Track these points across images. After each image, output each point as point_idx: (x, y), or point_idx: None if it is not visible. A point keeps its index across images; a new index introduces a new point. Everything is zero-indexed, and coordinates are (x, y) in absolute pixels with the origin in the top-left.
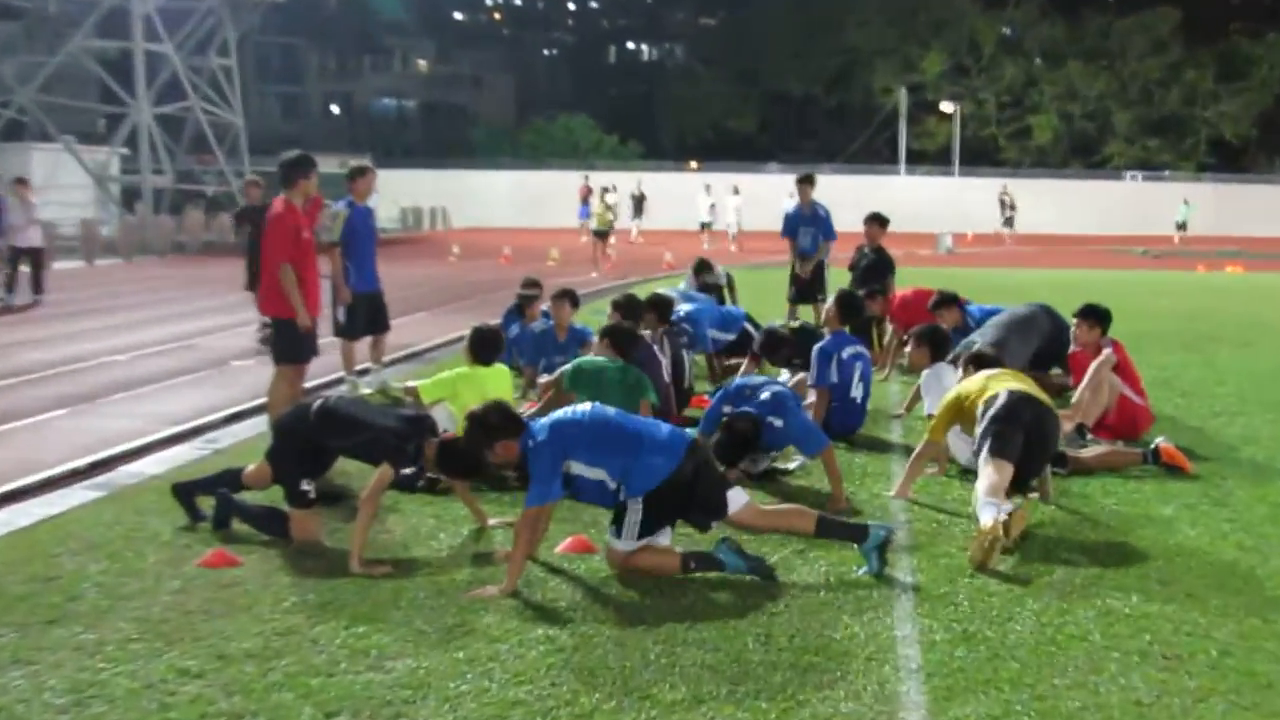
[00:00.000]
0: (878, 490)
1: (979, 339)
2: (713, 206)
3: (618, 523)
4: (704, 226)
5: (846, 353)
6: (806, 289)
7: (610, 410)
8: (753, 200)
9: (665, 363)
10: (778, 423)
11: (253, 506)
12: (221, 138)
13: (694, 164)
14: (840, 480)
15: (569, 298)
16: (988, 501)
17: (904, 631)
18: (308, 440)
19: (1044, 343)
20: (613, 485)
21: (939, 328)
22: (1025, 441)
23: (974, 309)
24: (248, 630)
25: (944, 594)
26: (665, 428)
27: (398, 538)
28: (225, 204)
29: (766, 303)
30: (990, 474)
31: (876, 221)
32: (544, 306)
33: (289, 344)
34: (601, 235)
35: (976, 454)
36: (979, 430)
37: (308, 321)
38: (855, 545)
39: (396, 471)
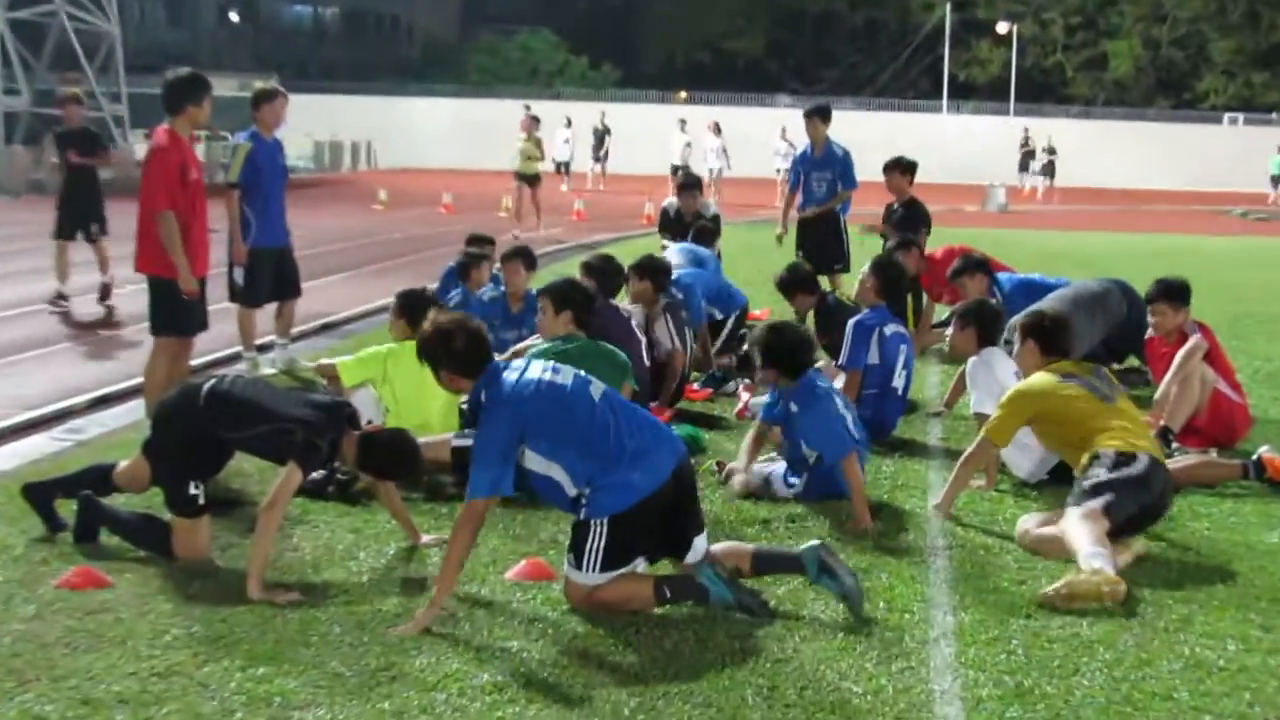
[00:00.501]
0: (912, 505)
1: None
2: (688, 146)
3: (577, 549)
4: (676, 171)
5: (890, 330)
6: (819, 252)
7: (597, 390)
8: (747, 141)
9: (669, 344)
10: (793, 407)
11: (125, 514)
12: (92, 51)
13: (682, 94)
14: (862, 493)
15: (523, 258)
16: (1095, 552)
17: (943, 685)
18: (196, 430)
19: (1116, 328)
20: (572, 493)
21: (988, 304)
22: (1136, 515)
23: (1005, 279)
24: (120, 669)
25: (993, 638)
26: (659, 430)
27: (307, 557)
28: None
29: (757, 269)
30: (1092, 528)
31: (898, 169)
32: (495, 269)
33: (170, 311)
34: (528, 181)
35: (1078, 501)
36: (1092, 479)
37: (193, 284)
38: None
39: (306, 473)
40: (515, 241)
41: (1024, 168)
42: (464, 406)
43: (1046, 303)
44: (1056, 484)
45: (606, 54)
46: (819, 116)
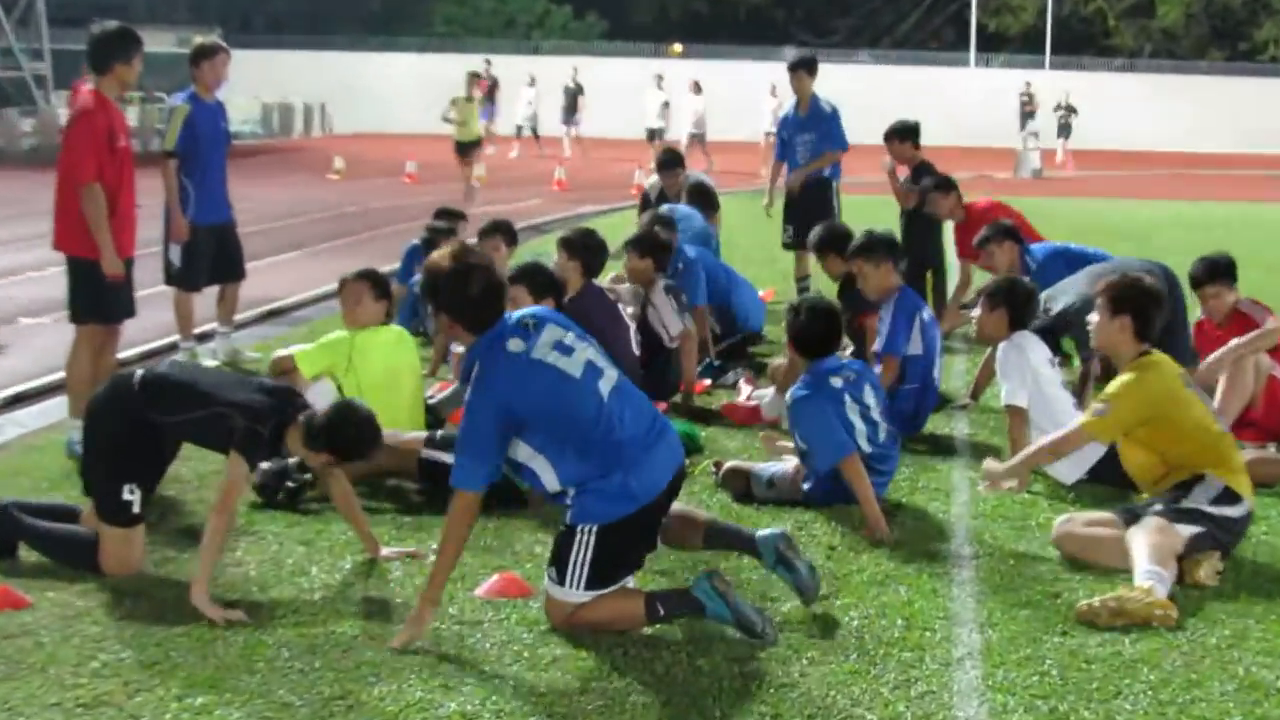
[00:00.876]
0: (934, 509)
1: (1065, 296)
2: (666, 106)
3: (560, 561)
4: (653, 135)
5: (927, 314)
6: (805, 226)
7: (608, 383)
8: (750, 100)
9: (678, 325)
10: (797, 393)
11: (45, 526)
12: (10, 3)
13: (677, 48)
14: (871, 498)
15: (503, 233)
16: (1156, 572)
17: (968, 712)
18: (131, 423)
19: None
20: (553, 488)
21: (1021, 283)
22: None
23: (1039, 248)
24: (40, 699)
25: (1025, 658)
26: (662, 428)
27: (252, 573)
28: (14, 95)
29: (758, 245)
30: (1163, 546)
31: (898, 137)
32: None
33: (94, 296)
34: (466, 150)
35: (1162, 516)
36: (1189, 503)
37: (117, 266)
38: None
39: (251, 464)
40: (535, 209)
41: (1024, 127)
42: (431, 401)
43: (1081, 278)
44: (1096, 484)
45: (591, 2)
46: (804, 70)
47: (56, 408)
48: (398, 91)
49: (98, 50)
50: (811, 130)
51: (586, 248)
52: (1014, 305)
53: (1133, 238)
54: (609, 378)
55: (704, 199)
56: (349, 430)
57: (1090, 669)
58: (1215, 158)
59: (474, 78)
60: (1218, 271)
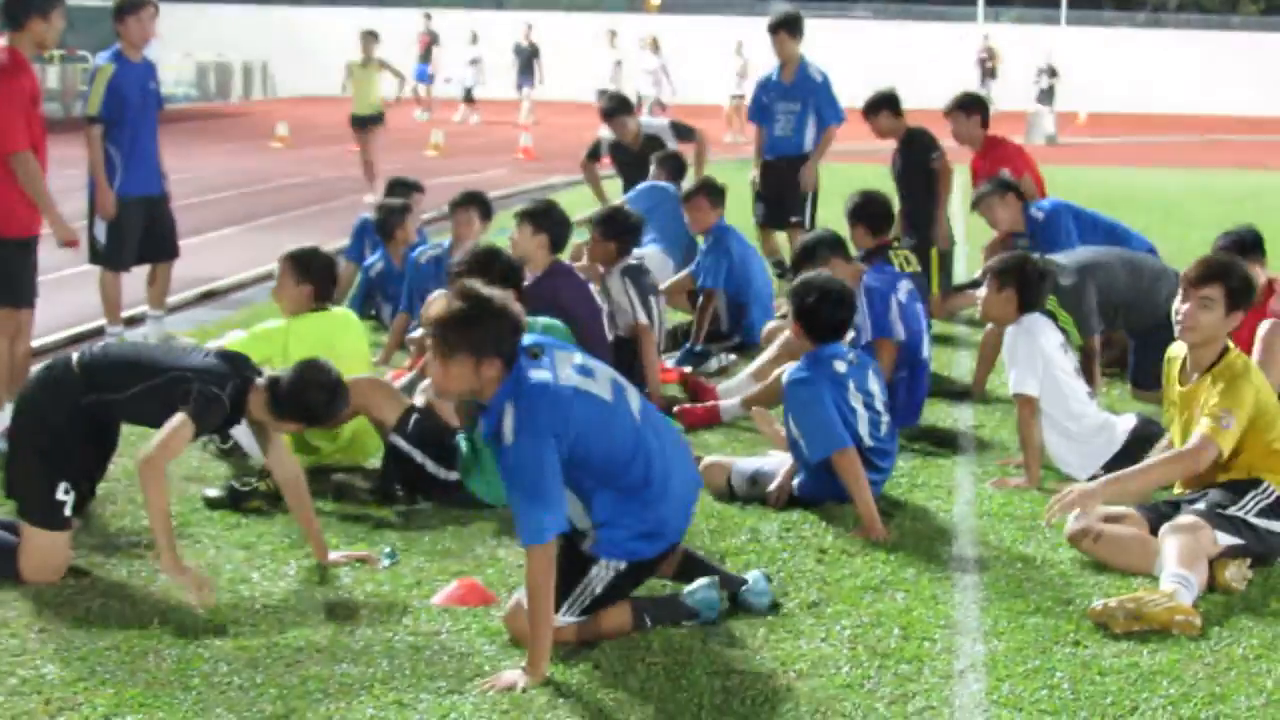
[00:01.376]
0: (935, 507)
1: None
2: (618, 65)
3: (563, 587)
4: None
5: (904, 290)
6: (776, 202)
7: (634, 400)
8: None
9: (632, 315)
10: (795, 374)
11: None
12: None
13: (655, 2)
14: (867, 495)
15: (478, 206)
16: (1183, 576)
17: None
18: (69, 411)
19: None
20: (581, 525)
21: (1032, 260)
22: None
23: (1045, 204)
24: None
25: (1032, 670)
26: (682, 447)
27: (189, 579)
28: None
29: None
30: (1195, 551)
31: (878, 109)
32: (424, 219)
33: (5, 277)
34: (364, 124)
35: (1204, 519)
36: (1236, 510)
37: (71, 233)
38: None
39: (199, 427)
40: (503, 180)
41: (983, 87)
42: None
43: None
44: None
45: None
46: (786, 30)
47: None
48: (347, 51)
49: (12, 2)
50: (797, 99)
51: (553, 221)
52: (1024, 285)
53: (1156, 209)
54: (632, 394)
55: (672, 168)
56: (317, 394)
57: (1104, 682)
58: (1247, 121)
59: (369, 37)
60: (1244, 247)
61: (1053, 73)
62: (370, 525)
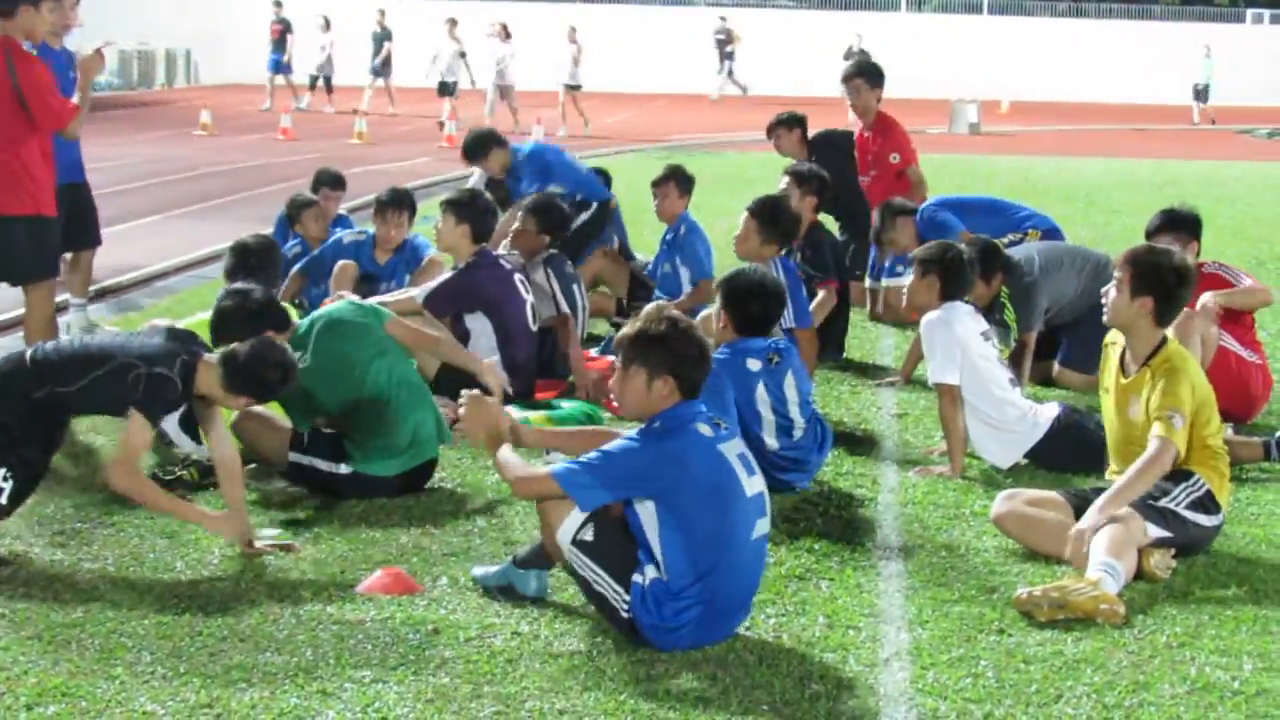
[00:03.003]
0: (861, 495)
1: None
2: (461, 56)
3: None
4: (447, 88)
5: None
6: None
7: (760, 527)
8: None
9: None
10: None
11: None
12: None
13: None
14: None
15: (410, 209)
16: (1111, 565)
17: (895, 717)
18: (25, 406)
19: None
20: (650, 577)
21: (955, 248)
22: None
23: (924, 208)
24: None
25: (957, 659)
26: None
27: (110, 568)
28: None
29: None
30: (1124, 540)
31: (785, 126)
32: (342, 211)
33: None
34: None
35: (1140, 509)
36: (1166, 502)
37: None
38: None
39: (154, 416)
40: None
41: (721, 68)
42: None
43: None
44: (1035, 469)
45: None
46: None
47: None
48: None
49: None
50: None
51: (476, 210)
52: (946, 272)
53: (1079, 197)
54: (763, 522)
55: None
56: (273, 371)
57: (1028, 670)
58: (1169, 110)
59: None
60: (1169, 224)
61: (862, 54)
62: (291, 517)
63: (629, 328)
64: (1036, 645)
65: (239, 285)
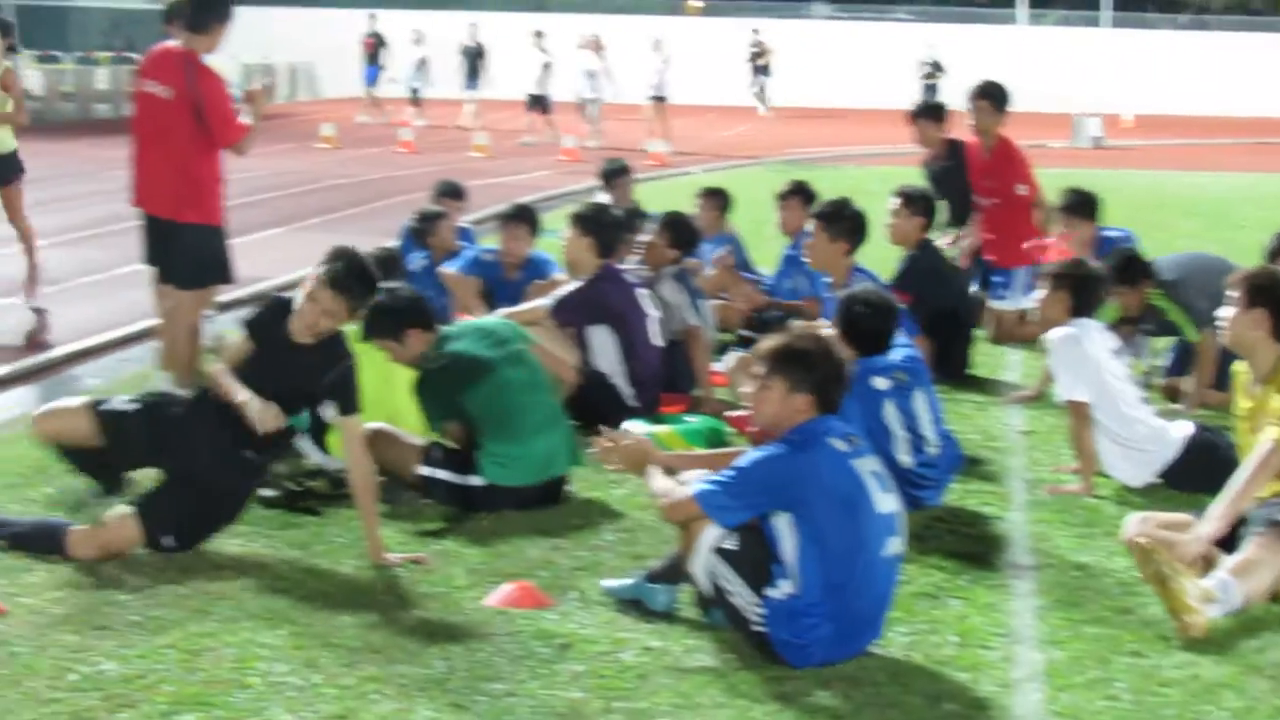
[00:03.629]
0: (989, 513)
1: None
2: (547, 68)
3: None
4: (537, 101)
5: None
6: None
7: (893, 545)
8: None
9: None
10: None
11: (17, 520)
12: None
13: (696, 4)
14: None
15: (529, 223)
16: (1229, 582)
17: None
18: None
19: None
20: (785, 592)
21: (1086, 265)
22: None
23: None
24: (15, 715)
25: (1093, 681)
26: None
27: (244, 578)
28: None
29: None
30: (1261, 555)
31: (926, 117)
32: (463, 224)
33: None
34: None
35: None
36: None
37: None
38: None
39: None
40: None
41: (754, 82)
42: None
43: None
44: (1169, 488)
45: None
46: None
47: (20, 398)
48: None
49: (199, 9)
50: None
51: (601, 224)
52: (1078, 289)
53: (1204, 212)
54: (895, 542)
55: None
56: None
57: (1166, 693)
58: None
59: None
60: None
61: (937, 68)
62: (419, 529)
63: (772, 340)
64: (1174, 668)
65: (388, 284)
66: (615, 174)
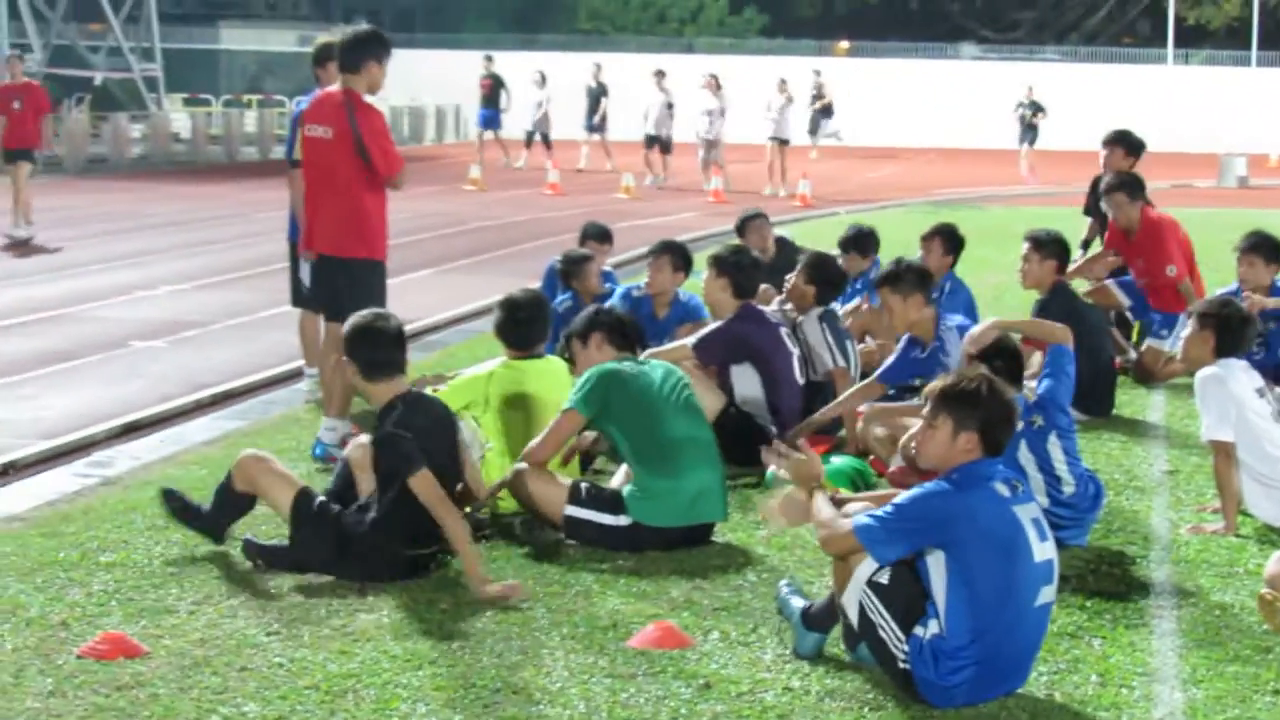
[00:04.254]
0: (1134, 552)
1: None
2: (669, 108)
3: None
4: (654, 141)
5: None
6: None
7: (1044, 594)
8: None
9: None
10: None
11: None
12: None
13: (844, 45)
14: None
15: (673, 255)
16: None
17: None
18: None
19: None
20: (932, 632)
21: (1233, 304)
22: None
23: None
24: None
25: (1234, 719)
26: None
27: (385, 618)
28: (123, 100)
29: None
30: None
31: (1120, 144)
32: (608, 267)
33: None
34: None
35: None
36: None
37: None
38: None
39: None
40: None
41: (814, 129)
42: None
43: None
44: None
45: None
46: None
47: (173, 438)
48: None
49: (349, 49)
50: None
51: (738, 266)
52: (1223, 329)
53: None
54: (1047, 591)
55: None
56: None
57: None
58: None
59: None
60: None
61: (1037, 108)
62: (564, 567)
63: (941, 380)
64: None
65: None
66: (749, 219)
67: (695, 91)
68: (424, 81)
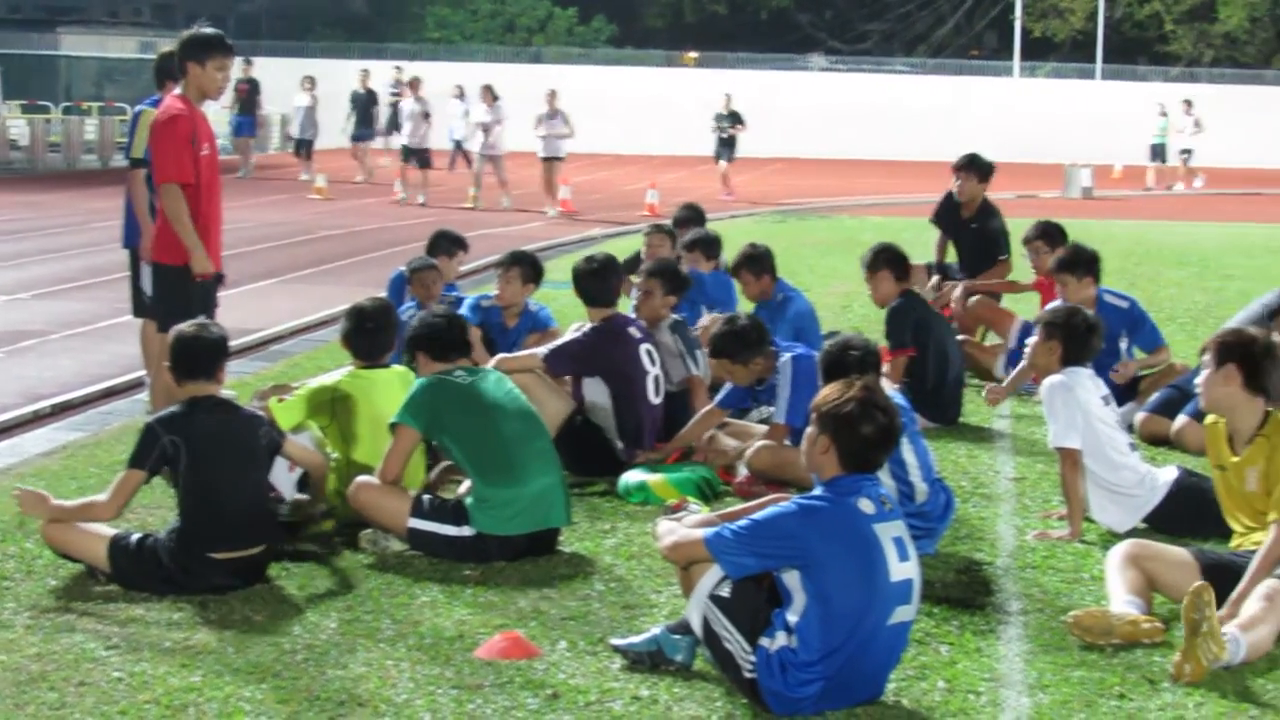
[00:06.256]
0: (978, 558)
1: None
2: (467, 115)
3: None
4: (459, 146)
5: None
6: None
7: (892, 529)
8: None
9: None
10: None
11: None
12: None
13: (692, 55)
14: None
15: (523, 266)
16: (1232, 633)
17: None
18: None
19: None
20: (779, 644)
21: (1079, 313)
22: None
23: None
24: None
25: None
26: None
27: (226, 630)
28: None
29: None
30: (1267, 606)
31: (971, 170)
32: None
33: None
34: None
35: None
36: None
37: (206, 265)
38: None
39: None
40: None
41: (721, 156)
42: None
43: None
44: (1155, 532)
45: (599, 5)
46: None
47: (9, 450)
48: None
49: (175, 54)
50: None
51: (601, 274)
52: (1069, 337)
53: (1193, 262)
54: (904, 611)
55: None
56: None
57: None
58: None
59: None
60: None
61: (736, 119)
62: (410, 578)
63: (822, 393)
64: (1158, 710)
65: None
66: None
67: (538, 103)
68: (267, 90)
